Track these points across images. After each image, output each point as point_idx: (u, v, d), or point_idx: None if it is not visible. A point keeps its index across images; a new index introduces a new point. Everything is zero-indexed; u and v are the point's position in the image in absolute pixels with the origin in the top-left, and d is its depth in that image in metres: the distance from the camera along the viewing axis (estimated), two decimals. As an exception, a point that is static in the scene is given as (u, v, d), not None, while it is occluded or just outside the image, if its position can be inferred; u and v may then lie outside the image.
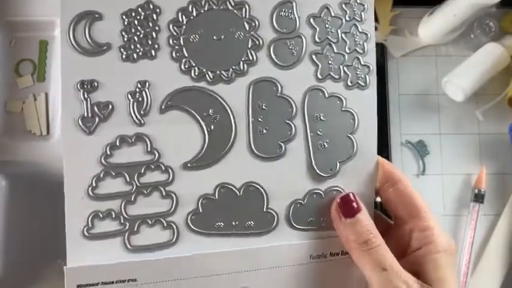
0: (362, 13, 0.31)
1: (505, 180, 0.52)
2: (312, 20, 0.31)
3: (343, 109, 0.31)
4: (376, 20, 0.54)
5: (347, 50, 0.31)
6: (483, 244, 0.51)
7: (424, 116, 0.53)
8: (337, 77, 0.31)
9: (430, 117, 0.53)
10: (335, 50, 0.31)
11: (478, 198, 0.51)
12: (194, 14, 0.29)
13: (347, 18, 0.31)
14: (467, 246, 0.50)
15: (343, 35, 0.31)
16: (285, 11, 0.30)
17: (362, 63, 0.31)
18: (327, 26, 0.31)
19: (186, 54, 0.29)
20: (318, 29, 0.31)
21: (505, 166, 0.53)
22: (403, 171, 0.52)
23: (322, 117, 0.31)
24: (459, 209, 0.52)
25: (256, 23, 0.30)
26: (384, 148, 0.52)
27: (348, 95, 0.31)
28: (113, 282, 0.28)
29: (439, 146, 0.53)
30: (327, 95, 0.31)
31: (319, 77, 0.31)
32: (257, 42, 0.30)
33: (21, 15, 0.44)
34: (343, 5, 0.31)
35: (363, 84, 0.31)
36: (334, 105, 0.31)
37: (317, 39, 0.31)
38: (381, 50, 0.54)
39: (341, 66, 0.31)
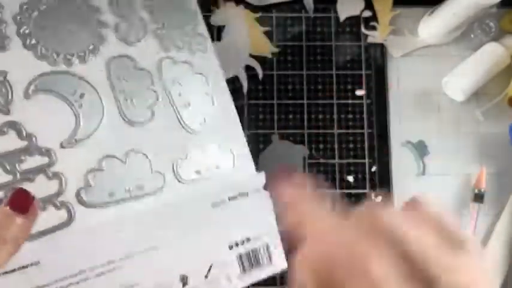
0: None
1: (505, 180, 0.52)
2: (147, 3, 0.35)
3: (194, 73, 0.35)
4: (376, 20, 0.54)
5: (176, 24, 0.36)
6: (483, 244, 0.51)
7: (424, 116, 0.53)
8: (180, 46, 0.35)
9: (430, 117, 0.53)
10: (174, 26, 0.36)
11: (478, 198, 0.51)
12: (39, 6, 0.31)
13: None
14: (467, 246, 0.50)
15: (171, 12, 0.36)
16: None
17: (198, 32, 0.36)
18: (162, 7, 0.35)
19: (39, 41, 0.31)
20: (154, 10, 0.35)
21: (505, 166, 0.53)
22: (403, 171, 0.52)
23: (179, 82, 0.35)
24: (459, 209, 0.52)
25: (100, 10, 0.33)
26: (384, 148, 0.52)
27: (194, 59, 0.35)
28: (14, 270, 0.28)
29: (439, 146, 0.53)
30: (178, 62, 0.35)
31: (166, 47, 0.35)
32: (105, 26, 0.33)
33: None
34: None
35: (203, 49, 0.36)
36: (187, 70, 0.35)
37: (154, 20, 0.35)
38: (381, 50, 0.54)
39: (182, 37, 0.35)
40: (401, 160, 0.52)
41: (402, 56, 0.54)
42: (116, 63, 0.33)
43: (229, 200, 0.33)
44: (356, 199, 0.51)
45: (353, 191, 0.51)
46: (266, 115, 0.52)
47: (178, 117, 0.34)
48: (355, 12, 0.54)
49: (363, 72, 0.53)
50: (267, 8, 0.54)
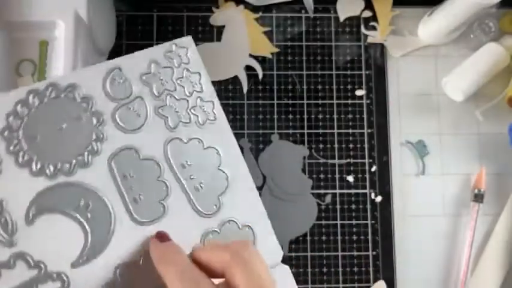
0: (187, 55, 0.32)
1: (505, 180, 0.52)
2: (144, 78, 0.31)
3: (204, 148, 0.32)
4: (376, 20, 0.54)
5: (187, 94, 0.32)
6: (483, 244, 0.51)
7: (424, 116, 0.53)
8: (187, 121, 0.32)
9: (430, 117, 0.53)
10: (177, 98, 0.32)
11: (478, 198, 0.51)
12: (25, 112, 0.28)
13: (176, 65, 0.32)
14: (467, 246, 0.50)
15: (178, 82, 0.32)
16: (115, 78, 0.31)
17: (205, 100, 0.32)
18: (160, 78, 0.32)
19: (33, 155, 0.28)
20: (153, 84, 0.31)
21: (504, 166, 0.53)
22: (403, 171, 0.52)
23: (189, 163, 0.31)
24: (459, 209, 0.52)
25: (93, 100, 0.30)
26: (384, 148, 0.52)
27: (204, 133, 0.32)
28: None
29: (439, 146, 0.53)
30: (185, 141, 0.31)
31: (171, 126, 0.31)
32: (100, 118, 0.30)
33: (21, 15, 0.44)
34: (168, 54, 0.32)
35: (212, 118, 0.32)
36: (196, 147, 0.32)
37: (156, 94, 0.31)
38: (381, 50, 0.54)
39: (188, 110, 0.32)
40: (401, 160, 0.52)
41: (402, 56, 0.54)
42: (119, 158, 0.29)
43: None
44: (356, 199, 0.51)
45: (353, 191, 0.51)
46: (266, 115, 0.52)
47: (192, 204, 0.31)
48: (355, 12, 0.54)
49: (363, 72, 0.53)
50: (267, 8, 0.54)
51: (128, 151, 0.30)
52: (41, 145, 0.28)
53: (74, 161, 0.28)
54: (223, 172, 0.32)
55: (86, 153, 0.29)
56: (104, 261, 0.28)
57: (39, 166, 0.28)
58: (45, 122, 0.28)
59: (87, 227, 0.28)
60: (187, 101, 0.32)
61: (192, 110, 0.32)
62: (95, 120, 0.29)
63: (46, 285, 0.27)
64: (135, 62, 0.31)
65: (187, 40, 0.33)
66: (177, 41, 0.33)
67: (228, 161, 0.32)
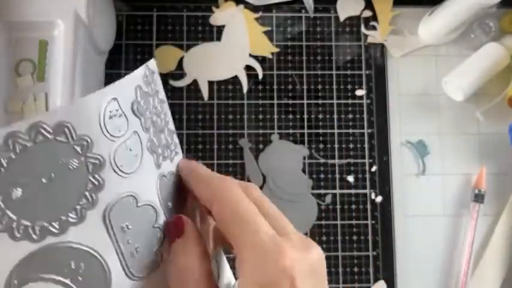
0: (156, 81, 0.28)
1: (505, 180, 0.52)
2: (136, 108, 0.25)
3: (175, 182, 0.29)
4: (376, 20, 0.54)
5: (161, 126, 0.28)
6: (483, 244, 0.51)
7: (424, 116, 0.53)
8: (166, 155, 0.28)
9: (430, 117, 0.53)
10: (158, 130, 0.27)
11: (478, 198, 0.51)
12: (4, 164, 0.22)
13: (152, 92, 0.27)
14: (467, 246, 0.50)
15: (156, 111, 0.27)
16: (112, 111, 0.24)
17: (172, 131, 0.29)
18: (146, 108, 0.26)
19: (14, 216, 0.22)
20: (143, 115, 0.26)
21: (505, 166, 0.53)
22: (403, 171, 0.52)
23: (172, 202, 0.28)
24: (459, 209, 0.52)
25: (88, 140, 0.23)
26: (384, 148, 0.52)
27: (174, 167, 0.29)
28: None
29: (439, 146, 0.53)
30: (167, 178, 0.28)
31: (158, 163, 0.27)
32: (96, 163, 0.24)
33: (21, 15, 0.44)
34: (145, 79, 0.27)
35: (178, 151, 0.29)
36: (173, 183, 0.28)
37: (146, 126, 0.26)
38: (381, 50, 0.54)
39: (163, 144, 0.28)
40: (401, 160, 0.52)
41: (402, 56, 0.54)
42: (117, 208, 0.24)
43: None
44: (356, 199, 0.51)
45: (353, 191, 0.51)
46: (266, 115, 0.52)
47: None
48: (355, 12, 0.54)
49: (363, 72, 0.53)
50: (267, 8, 0.54)
51: (127, 199, 0.25)
52: (23, 202, 0.22)
53: (64, 218, 0.23)
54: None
55: (79, 207, 0.23)
56: None
57: (21, 229, 0.22)
58: (30, 174, 0.22)
59: None
60: (164, 133, 0.28)
61: (166, 143, 0.28)
62: (91, 166, 0.24)
63: None
64: (124, 89, 0.25)
65: (155, 63, 0.28)
66: (148, 63, 0.27)
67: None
